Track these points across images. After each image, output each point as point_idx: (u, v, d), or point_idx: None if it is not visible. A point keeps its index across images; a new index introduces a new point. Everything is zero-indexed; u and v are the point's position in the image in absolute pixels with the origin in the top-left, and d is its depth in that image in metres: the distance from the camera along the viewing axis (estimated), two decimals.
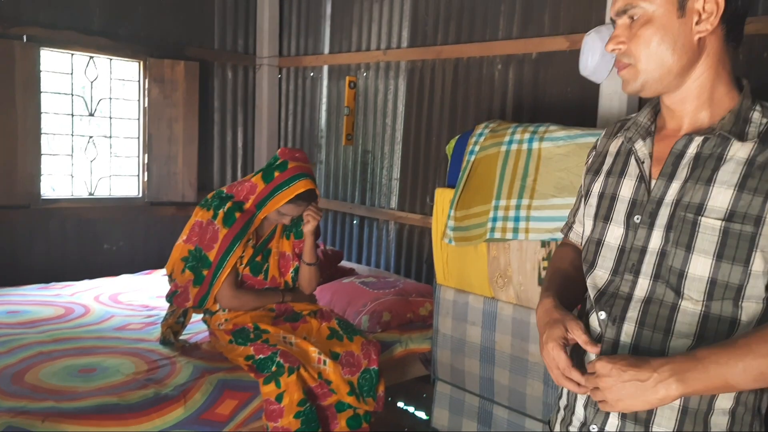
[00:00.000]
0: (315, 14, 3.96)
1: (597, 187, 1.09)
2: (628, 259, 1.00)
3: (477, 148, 2.20)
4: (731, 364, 0.85)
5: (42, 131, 3.39)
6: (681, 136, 0.99)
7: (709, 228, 0.92)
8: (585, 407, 1.03)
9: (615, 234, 1.03)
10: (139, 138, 3.82)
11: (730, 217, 0.91)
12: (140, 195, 3.84)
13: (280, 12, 4.15)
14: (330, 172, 3.97)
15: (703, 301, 0.93)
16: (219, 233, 2.18)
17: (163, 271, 2.43)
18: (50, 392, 1.92)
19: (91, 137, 3.68)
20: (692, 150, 0.97)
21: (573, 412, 1.06)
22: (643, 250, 0.98)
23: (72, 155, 3.61)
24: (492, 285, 2.14)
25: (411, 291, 2.97)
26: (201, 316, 2.40)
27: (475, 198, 2.15)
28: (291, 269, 2.39)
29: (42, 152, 3.39)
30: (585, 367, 0.98)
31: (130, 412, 1.87)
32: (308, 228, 2.32)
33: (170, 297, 2.28)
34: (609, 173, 1.08)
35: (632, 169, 1.04)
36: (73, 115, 3.59)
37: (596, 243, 1.06)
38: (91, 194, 3.70)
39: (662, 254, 0.96)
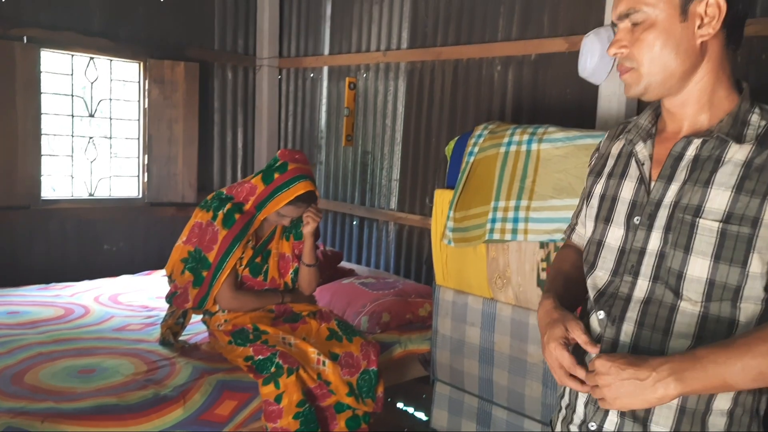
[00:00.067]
0: (315, 15, 3.97)
1: (598, 189, 1.10)
2: (627, 260, 1.01)
3: (476, 149, 2.20)
4: (730, 364, 0.85)
5: (42, 132, 3.39)
6: (680, 139, 0.99)
7: (707, 229, 0.92)
8: (585, 405, 1.04)
9: (615, 235, 1.04)
10: (139, 139, 3.82)
11: (727, 218, 0.91)
12: (140, 196, 3.84)
13: (280, 13, 4.16)
14: (330, 172, 3.97)
15: (702, 302, 0.94)
16: (218, 234, 2.19)
17: (163, 271, 2.44)
18: (50, 393, 1.92)
19: (91, 138, 3.69)
20: (691, 152, 0.98)
21: (574, 411, 1.07)
22: (642, 252, 0.99)
23: (72, 156, 3.62)
24: (491, 286, 2.14)
25: (410, 292, 2.97)
26: (200, 316, 2.41)
27: (474, 199, 2.15)
28: (291, 270, 2.39)
29: (42, 153, 3.40)
30: (586, 367, 0.99)
31: (130, 413, 1.87)
32: (308, 229, 2.32)
33: (170, 298, 2.28)
34: (610, 175, 1.09)
35: (633, 170, 1.05)
36: (73, 116, 3.60)
37: (597, 244, 1.07)
38: (91, 195, 3.71)
39: (661, 255, 0.97)
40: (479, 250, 2.15)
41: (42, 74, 3.35)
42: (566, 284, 1.16)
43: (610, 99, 2.41)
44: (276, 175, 2.23)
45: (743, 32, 1.00)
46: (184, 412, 1.95)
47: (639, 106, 2.37)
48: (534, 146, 2.03)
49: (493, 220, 2.07)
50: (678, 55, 0.96)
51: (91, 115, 3.68)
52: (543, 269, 1.99)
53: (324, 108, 3.97)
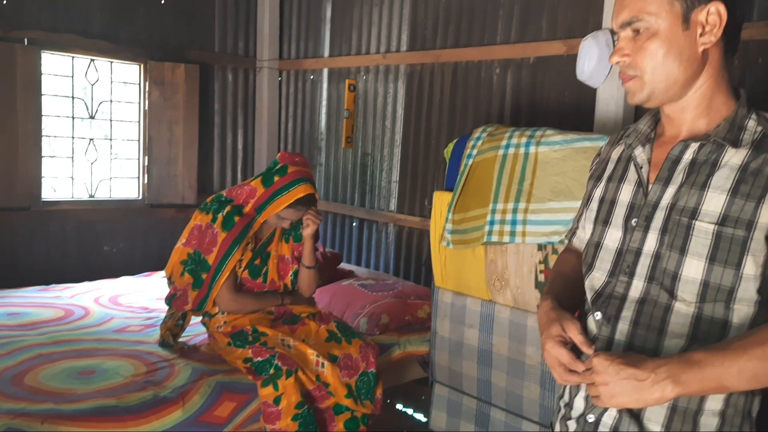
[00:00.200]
0: (315, 17, 3.98)
1: (598, 193, 1.12)
2: (624, 261, 1.02)
3: (475, 151, 2.21)
4: (726, 367, 0.87)
5: (43, 134, 3.40)
6: (678, 142, 1.01)
7: (703, 231, 0.94)
8: (585, 399, 1.06)
9: (613, 237, 1.06)
10: (139, 140, 3.83)
11: (723, 221, 0.93)
12: (140, 197, 3.85)
13: (280, 15, 4.17)
14: (330, 174, 3.98)
15: (696, 302, 0.95)
16: (218, 237, 2.19)
17: (163, 273, 2.45)
18: (49, 394, 1.93)
19: (91, 140, 3.70)
20: (688, 156, 1.00)
21: (572, 407, 1.09)
22: (638, 252, 1.01)
23: (72, 157, 3.63)
24: (489, 288, 2.15)
25: (409, 293, 2.98)
26: (200, 318, 2.41)
27: (473, 201, 2.16)
28: (290, 272, 2.40)
29: (42, 154, 3.41)
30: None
31: (129, 414, 1.88)
32: (308, 232, 2.33)
33: (169, 300, 2.29)
34: (610, 179, 1.11)
35: (631, 174, 1.07)
36: (73, 117, 3.61)
37: (595, 246, 1.09)
38: (91, 196, 3.72)
39: (657, 257, 0.99)
40: (478, 252, 2.15)
41: (42, 76, 3.36)
42: (566, 286, 1.18)
43: (608, 102, 2.42)
44: (276, 178, 2.24)
45: (740, 38, 1.02)
46: (183, 413, 1.96)
47: (636, 109, 2.38)
48: (532, 149, 2.04)
49: (492, 223, 2.08)
50: (681, 63, 0.97)
51: (92, 117, 3.69)
52: (541, 271, 2.00)
53: (324, 110, 3.98)
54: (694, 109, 1.01)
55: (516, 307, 2.08)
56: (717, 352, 0.88)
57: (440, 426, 2.35)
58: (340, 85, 3.84)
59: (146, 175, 3.80)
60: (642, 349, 0.98)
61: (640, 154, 1.06)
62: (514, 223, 2.02)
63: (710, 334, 0.95)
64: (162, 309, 2.61)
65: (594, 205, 1.12)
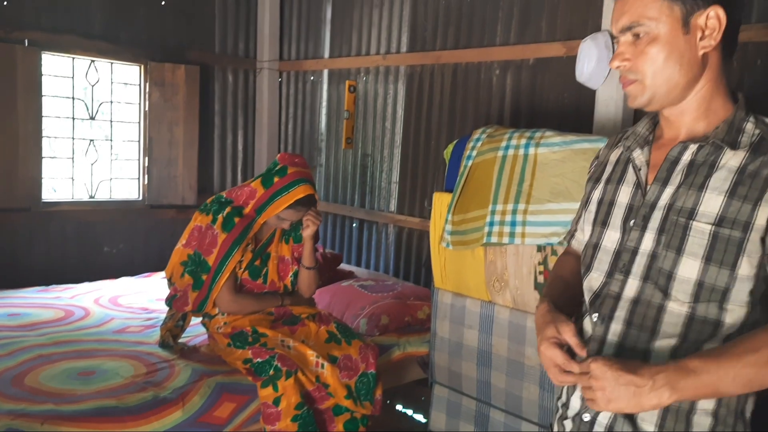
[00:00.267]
0: (315, 19, 3.99)
1: (597, 194, 1.13)
2: (620, 260, 1.03)
3: (474, 153, 2.22)
4: (722, 374, 0.89)
5: (43, 134, 3.41)
6: (676, 144, 1.02)
7: (699, 231, 0.95)
8: (582, 399, 1.06)
9: (612, 238, 1.06)
10: (139, 141, 3.84)
11: (720, 222, 0.94)
12: (140, 198, 3.86)
13: (280, 16, 4.18)
14: (330, 175, 3.99)
15: (690, 302, 0.96)
16: (218, 238, 2.20)
17: (163, 273, 2.45)
18: (50, 395, 1.93)
19: (91, 140, 3.71)
20: (687, 157, 1.00)
21: (568, 407, 1.10)
22: (635, 252, 1.02)
23: (73, 158, 3.63)
24: (489, 289, 2.15)
25: (409, 294, 2.98)
26: (200, 319, 2.42)
27: (473, 202, 2.16)
28: (290, 273, 2.40)
29: (43, 155, 3.41)
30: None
31: (129, 415, 1.88)
32: (307, 233, 2.33)
33: (169, 301, 2.30)
34: (608, 181, 1.12)
35: (630, 176, 1.08)
36: (74, 118, 3.61)
37: (593, 247, 1.10)
38: (91, 197, 3.72)
39: (653, 256, 0.99)
40: (477, 253, 2.16)
41: (43, 77, 3.36)
42: (564, 290, 1.19)
43: (608, 103, 2.42)
44: (276, 179, 2.24)
45: (738, 41, 1.03)
46: (183, 414, 1.96)
47: (636, 111, 2.39)
48: (531, 150, 2.04)
49: (491, 224, 2.08)
50: (682, 67, 0.98)
51: (92, 118, 3.69)
52: (540, 272, 2.01)
53: (324, 111, 3.99)
54: (694, 111, 1.02)
55: (515, 308, 2.08)
56: (712, 360, 0.89)
57: (440, 427, 2.35)
58: (340, 86, 3.84)
59: (146, 176, 3.81)
60: (633, 348, 0.99)
61: (639, 156, 1.07)
62: (513, 224, 2.03)
63: (702, 334, 0.96)
64: (162, 310, 2.61)
65: (593, 206, 1.13)
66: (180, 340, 2.43)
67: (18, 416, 1.78)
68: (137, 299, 3.04)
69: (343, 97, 3.78)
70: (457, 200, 2.20)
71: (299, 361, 2.15)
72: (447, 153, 2.35)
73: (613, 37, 1.04)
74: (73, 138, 3.63)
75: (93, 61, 3.61)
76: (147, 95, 3.75)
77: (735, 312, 0.95)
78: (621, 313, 1.02)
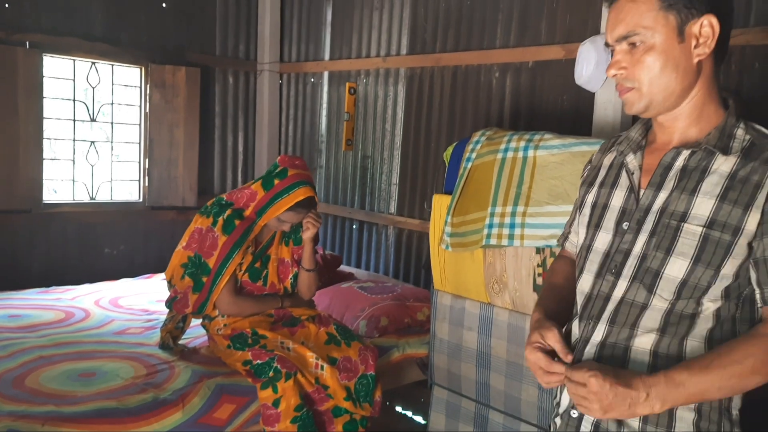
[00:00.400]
0: (316, 21, 4.00)
1: (590, 198, 1.15)
2: (612, 261, 1.06)
3: (474, 155, 2.22)
4: (708, 385, 0.95)
5: (44, 136, 3.42)
6: (670, 149, 1.04)
7: (690, 233, 0.98)
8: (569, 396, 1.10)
9: (603, 240, 1.09)
10: (140, 143, 3.85)
11: (710, 224, 0.97)
12: (141, 199, 3.86)
13: (281, 18, 4.19)
14: (330, 177, 4.00)
15: (671, 300, 1.00)
16: (218, 240, 2.21)
17: (163, 275, 2.46)
18: (50, 396, 1.94)
19: (92, 142, 3.71)
20: (679, 162, 1.03)
21: (559, 404, 1.14)
22: (627, 253, 1.05)
23: (73, 160, 3.64)
24: (488, 290, 2.16)
25: (409, 296, 2.99)
26: (200, 321, 2.42)
27: (472, 204, 2.17)
28: (290, 275, 2.41)
29: (44, 157, 3.42)
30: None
31: (129, 416, 1.89)
32: (307, 235, 2.34)
33: (170, 303, 2.30)
34: (602, 185, 1.14)
35: (623, 180, 1.10)
36: (74, 120, 3.62)
37: (586, 249, 1.12)
38: (92, 199, 3.73)
39: (643, 257, 1.02)
40: (476, 255, 2.16)
41: (44, 79, 3.37)
42: (558, 297, 1.21)
43: (606, 106, 2.43)
44: (276, 181, 2.25)
45: (728, 47, 1.04)
46: (183, 415, 1.97)
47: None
48: (530, 153, 2.05)
49: (490, 226, 2.09)
50: (678, 74, 1.00)
51: (93, 120, 3.70)
52: (539, 274, 2.01)
53: (324, 113, 4.00)
54: (687, 117, 1.04)
55: (514, 310, 2.09)
56: (699, 372, 0.94)
57: (439, 428, 2.36)
58: (341, 88, 3.85)
59: (147, 178, 3.82)
60: (614, 345, 1.03)
61: (632, 160, 1.09)
62: (512, 226, 2.03)
63: (679, 327, 1.00)
64: (162, 311, 2.62)
65: (587, 210, 1.15)
66: (180, 342, 2.43)
67: (19, 417, 1.79)
68: (137, 301, 3.04)
69: (343, 99, 3.79)
70: (457, 202, 2.21)
71: (299, 363, 2.16)
72: (446, 155, 2.36)
73: (608, 47, 1.05)
74: (73, 140, 3.63)
75: (94, 63, 3.62)
76: (148, 97, 3.76)
77: (710, 307, 0.99)
78: (607, 314, 1.05)
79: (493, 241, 2.07)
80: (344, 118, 3.76)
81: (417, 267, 3.45)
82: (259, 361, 2.13)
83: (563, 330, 1.11)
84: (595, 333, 1.06)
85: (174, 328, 2.39)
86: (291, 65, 4.17)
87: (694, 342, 1.00)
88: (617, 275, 1.05)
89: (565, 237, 1.30)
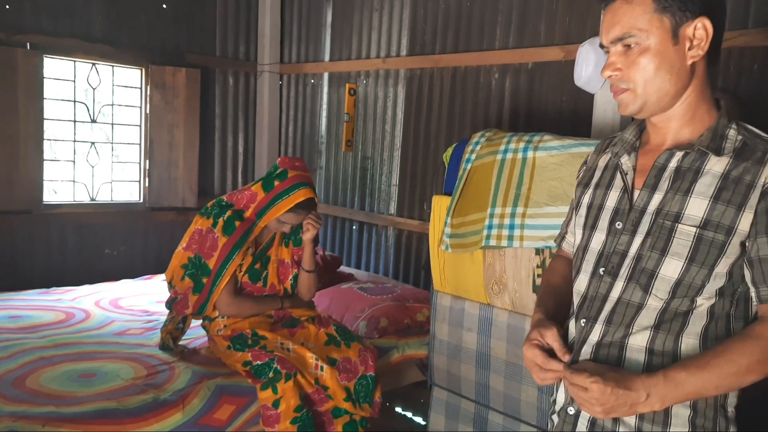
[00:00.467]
0: (315, 22, 4.01)
1: (586, 199, 1.17)
2: (608, 262, 1.08)
3: (473, 156, 2.23)
4: (705, 384, 0.97)
5: (44, 137, 3.42)
6: (663, 151, 1.06)
7: (685, 233, 1.00)
8: (565, 394, 1.12)
9: (598, 240, 1.11)
10: (140, 144, 3.85)
11: (704, 225, 0.98)
12: (141, 200, 3.87)
13: (281, 19, 4.20)
14: (330, 177, 4.00)
15: (666, 299, 1.01)
16: (218, 241, 2.21)
17: (163, 276, 2.47)
18: (50, 397, 1.95)
19: (92, 143, 3.72)
20: (673, 164, 1.04)
21: (556, 402, 1.16)
22: (624, 254, 1.06)
23: (74, 161, 3.65)
24: (487, 291, 2.16)
25: (408, 297, 2.99)
26: (200, 321, 2.43)
27: (471, 205, 2.17)
28: (290, 276, 2.41)
29: (44, 158, 3.42)
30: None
31: (129, 417, 1.89)
32: (308, 236, 2.34)
33: (170, 304, 2.31)
34: (597, 186, 1.16)
35: (618, 181, 1.12)
36: (75, 121, 3.63)
37: (583, 250, 1.14)
38: (92, 200, 3.74)
39: (638, 258, 1.04)
40: (476, 256, 2.17)
41: (44, 80, 3.38)
42: (556, 297, 1.22)
43: (605, 108, 2.43)
44: (276, 183, 2.26)
45: (721, 49, 1.06)
46: (183, 416, 1.98)
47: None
48: (530, 154, 2.06)
49: (490, 227, 2.09)
50: (672, 76, 1.01)
51: (93, 121, 3.71)
52: (538, 275, 2.02)
53: (324, 114, 4.01)
54: (680, 118, 1.05)
55: (514, 311, 2.09)
56: (697, 372, 0.96)
57: (439, 429, 2.36)
58: (341, 89, 3.86)
59: (147, 179, 3.82)
60: (610, 344, 1.05)
61: (626, 162, 1.11)
62: (512, 227, 2.04)
63: (673, 325, 1.02)
64: (162, 312, 2.62)
65: (582, 211, 1.17)
66: (180, 343, 2.44)
67: (19, 418, 1.79)
68: (138, 301, 3.05)
69: (343, 100, 3.80)
70: (456, 203, 2.21)
71: (298, 364, 2.16)
72: (446, 156, 2.36)
73: (603, 48, 1.06)
74: (74, 140, 3.64)
75: (94, 64, 3.63)
76: (148, 98, 3.76)
77: (704, 304, 1.01)
78: (604, 314, 1.07)
79: (493, 242, 2.07)
80: (344, 119, 3.77)
81: (417, 268, 3.46)
82: (258, 362, 2.13)
83: (562, 329, 1.13)
84: (593, 333, 1.07)
85: (174, 329, 2.40)
86: (291, 66, 4.18)
87: (689, 339, 1.02)
88: (614, 276, 1.06)
89: (561, 237, 1.32)
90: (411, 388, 2.80)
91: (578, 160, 1.92)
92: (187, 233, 2.28)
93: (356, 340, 2.35)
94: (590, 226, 1.13)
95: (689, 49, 1.00)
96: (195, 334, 2.55)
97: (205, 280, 2.23)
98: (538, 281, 2.01)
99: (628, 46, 1.02)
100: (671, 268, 1.00)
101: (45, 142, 3.43)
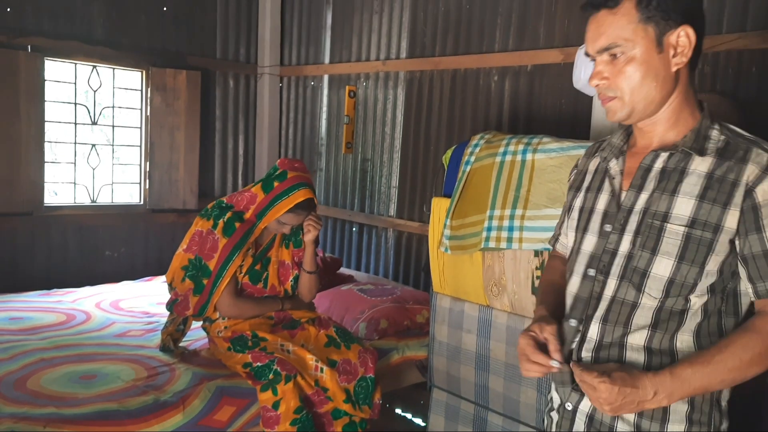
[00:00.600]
0: (316, 25, 4.02)
1: (578, 202, 1.21)
2: (600, 261, 1.11)
3: (473, 158, 2.24)
4: (711, 379, 1.00)
5: (45, 139, 3.43)
6: (649, 153, 1.09)
7: (673, 233, 1.02)
8: (557, 391, 1.15)
9: (589, 242, 1.14)
10: (141, 146, 3.86)
11: (692, 224, 1.01)
12: (141, 202, 3.88)
13: (281, 22, 4.21)
14: (330, 179, 4.01)
15: (660, 298, 1.04)
16: (219, 243, 2.22)
17: (164, 277, 2.47)
18: (51, 398, 1.95)
19: (93, 145, 3.73)
20: (659, 164, 1.08)
21: (552, 398, 1.19)
22: (614, 253, 1.09)
23: (75, 163, 3.66)
24: (487, 293, 2.17)
25: (408, 298, 3.00)
26: (201, 323, 2.43)
27: (471, 207, 2.18)
28: (290, 278, 2.42)
29: (45, 160, 3.43)
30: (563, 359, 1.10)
31: (130, 419, 1.90)
32: (309, 237, 2.35)
33: (170, 305, 2.31)
34: (588, 189, 1.19)
35: (607, 185, 1.15)
36: (76, 123, 3.64)
37: (576, 252, 1.17)
38: (93, 201, 3.74)
39: (629, 257, 1.07)
40: (475, 258, 2.17)
41: (45, 82, 3.39)
42: (556, 295, 1.25)
43: (604, 110, 2.44)
44: (275, 184, 2.26)
45: (701, 54, 1.09)
46: (183, 417, 1.98)
47: None
48: (529, 156, 2.06)
49: (489, 229, 2.10)
50: (658, 83, 1.04)
51: (94, 123, 3.72)
52: (537, 277, 2.02)
53: (324, 116, 4.02)
54: (665, 122, 1.09)
55: (513, 313, 2.10)
56: (702, 368, 0.99)
57: (438, 430, 2.37)
58: (341, 92, 3.87)
59: (147, 181, 3.83)
60: (610, 344, 1.07)
61: (614, 166, 1.15)
62: (511, 229, 2.04)
63: (670, 323, 1.05)
64: (163, 313, 2.63)
65: (575, 214, 1.20)
66: (180, 344, 2.44)
67: (20, 419, 1.80)
68: (138, 303, 3.06)
69: (343, 102, 3.81)
70: (456, 205, 2.22)
71: (298, 365, 2.17)
72: (446, 158, 2.37)
73: (588, 55, 1.08)
74: (75, 143, 3.65)
75: (95, 66, 3.64)
76: (148, 100, 3.77)
77: (698, 302, 1.04)
78: (600, 312, 1.09)
79: (492, 244, 2.08)
80: (344, 121, 3.78)
81: (416, 269, 3.47)
82: (259, 364, 2.14)
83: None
84: (590, 333, 1.10)
85: (175, 330, 2.40)
86: (291, 68, 4.19)
87: (683, 336, 1.05)
88: (606, 274, 1.09)
89: (555, 238, 1.36)
90: (411, 389, 2.81)
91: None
92: (187, 235, 2.29)
93: (356, 342, 2.36)
94: (582, 229, 1.16)
95: (673, 56, 1.03)
96: (195, 335, 2.56)
97: (205, 282, 2.24)
98: (537, 283, 2.02)
99: (614, 56, 1.04)
100: (662, 267, 1.03)
101: (46, 144, 3.44)
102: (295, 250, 2.42)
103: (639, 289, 1.05)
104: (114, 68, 3.71)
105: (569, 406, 1.13)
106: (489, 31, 3.06)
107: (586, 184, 1.20)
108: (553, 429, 1.18)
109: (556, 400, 1.17)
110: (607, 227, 1.11)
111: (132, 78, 3.82)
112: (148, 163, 3.82)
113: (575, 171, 1.28)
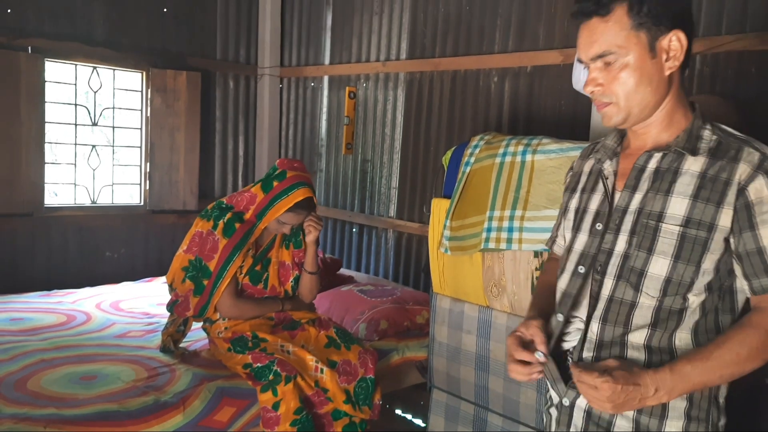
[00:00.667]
0: (316, 26, 4.02)
1: (573, 203, 1.22)
2: (596, 261, 1.12)
3: (472, 159, 2.24)
4: (710, 374, 1.02)
5: (46, 140, 3.43)
6: (642, 153, 1.11)
7: (669, 232, 1.04)
8: (557, 389, 1.16)
9: (581, 241, 1.16)
10: (141, 147, 3.87)
11: (686, 223, 1.03)
12: (142, 203, 3.88)
13: (281, 23, 4.21)
14: (330, 180, 4.01)
15: (658, 297, 1.05)
16: (219, 244, 2.22)
17: (164, 278, 2.48)
18: (52, 399, 1.95)
19: (94, 146, 3.73)
20: (652, 165, 1.09)
21: (551, 397, 1.21)
22: (610, 253, 1.11)
23: (75, 164, 3.66)
24: (486, 294, 2.17)
25: (408, 299, 3.00)
26: (201, 324, 2.44)
27: (471, 208, 2.19)
28: (291, 278, 2.42)
29: (45, 161, 3.44)
30: (568, 373, 1.09)
31: (130, 419, 1.90)
32: (310, 238, 2.36)
33: (171, 306, 2.32)
34: (583, 190, 1.21)
35: (600, 186, 1.17)
36: (76, 124, 3.64)
37: (568, 251, 1.20)
38: (93, 202, 3.75)
39: (625, 257, 1.08)
40: (475, 259, 2.18)
41: (46, 83, 3.39)
42: (549, 296, 1.26)
43: None
44: (275, 183, 2.27)
45: (691, 56, 1.10)
46: (183, 418, 1.98)
47: None
48: (528, 157, 2.07)
49: (489, 230, 2.10)
50: (651, 88, 1.06)
51: (94, 124, 3.72)
52: (537, 278, 2.03)
53: (324, 117, 4.02)
54: (659, 124, 1.10)
55: (513, 313, 2.10)
56: (701, 364, 1.00)
57: (438, 431, 2.37)
58: (341, 93, 3.87)
59: (148, 182, 3.83)
60: (610, 343, 1.09)
61: (608, 167, 1.16)
62: (510, 230, 2.05)
63: (669, 322, 1.06)
64: (163, 314, 2.63)
65: (570, 215, 1.22)
66: (181, 345, 2.45)
67: (20, 420, 1.80)
68: (138, 304, 3.06)
69: (343, 103, 3.81)
70: (456, 206, 2.22)
71: (299, 366, 2.17)
72: (445, 159, 2.37)
73: (581, 62, 1.09)
74: (75, 143, 3.65)
75: (95, 67, 3.64)
76: (149, 101, 3.78)
77: (695, 301, 1.06)
78: (599, 312, 1.11)
79: (492, 245, 2.09)
80: (344, 122, 3.78)
81: (416, 270, 3.47)
82: (259, 364, 2.14)
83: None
84: (590, 331, 1.11)
85: (175, 331, 2.40)
86: (291, 69, 4.19)
87: (682, 334, 1.06)
88: (603, 274, 1.11)
89: (552, 240, 1.37)
90: (410, 390, 2.81)
91: None
92: (187, 236, 2.29)
93: (356, 343, 2.36)
94: (575, 229, 1.18)
95: (666, 60, 1.05)
96: (196, 336, 2.56)
97: (206, 283, 2.24)
98: (537, 284, 2.02)
99: (608, 63, 1.05)
100: (659, 267, 1.05)
101: (46, 145, 3.44)
102: (296, 251, 2.43)
103: (637, 289, 1.06)
104: (114, 69, 3.72)
105: (566, 402, 1.14)
106: (489, 33, 3.06)
107: (580, 185, 1.22)
108: (552, 426, 1.19)
109: (555, 398, 1.18)
110: (598, 226, 1.12)
111: (132, 79, 3.83)
112: (148, 164, 3.82)
113: (570, 173, 1.30)
